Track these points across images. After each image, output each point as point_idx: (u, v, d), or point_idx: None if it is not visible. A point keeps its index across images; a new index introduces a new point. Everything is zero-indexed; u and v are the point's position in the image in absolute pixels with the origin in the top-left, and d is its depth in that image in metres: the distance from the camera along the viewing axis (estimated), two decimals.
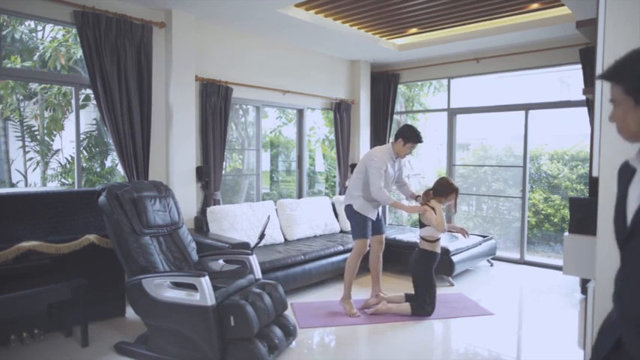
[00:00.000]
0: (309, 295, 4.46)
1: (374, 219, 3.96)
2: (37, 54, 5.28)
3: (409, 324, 3.70)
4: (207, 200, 4.71)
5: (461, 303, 4.19)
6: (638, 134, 1.21)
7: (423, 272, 3.82)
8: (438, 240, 3.81)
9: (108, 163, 5.65)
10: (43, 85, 5.35)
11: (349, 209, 3.94)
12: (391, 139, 4.12)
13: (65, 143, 5.55)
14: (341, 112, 6.26)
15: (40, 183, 5.46)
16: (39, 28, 5.43)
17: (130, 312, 3.75)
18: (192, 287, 2.83)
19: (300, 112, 6.08)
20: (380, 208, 4.08)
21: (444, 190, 3.80)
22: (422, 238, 3.83)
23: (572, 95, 6.30)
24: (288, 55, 5.59)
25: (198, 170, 4.61)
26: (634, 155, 1.26)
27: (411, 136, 3.82)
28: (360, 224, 3.89)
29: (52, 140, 5.61)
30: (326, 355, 3.19)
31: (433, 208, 3.73)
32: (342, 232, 5.61)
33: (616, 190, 1.33)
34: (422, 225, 3.86)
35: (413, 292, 3.92)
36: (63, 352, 3.09)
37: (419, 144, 3.91)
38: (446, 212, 5.04)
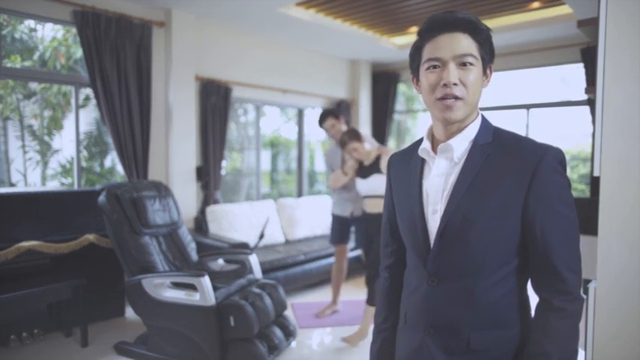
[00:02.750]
0: (309, 295, 4.45)
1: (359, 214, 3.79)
2: (37, 53, 5.27)
3: None
4: (207, 200, 4.71)
5: None
6: (473, 112, 1.02)
7: None
8: None
9: (108, 163, 5.64)
10: (42, 85, 5.35)
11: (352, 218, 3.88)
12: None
13: (65, 143, 5.54)
14: (342, 112, 6.24)
15: (39, 183, 5.45)
16: (38, 27, 5.42)
17: (129, 312, 3.75)
18: (192, 287, 2.83)
19: (301, 112, 6.07)
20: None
21: None
22: None
23: (571, 94, 6.29)
24: (288, 54, 5.57)
25: (198, 170, 4.60)
26: (426, 146, 1.09)
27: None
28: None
29: (52, 140, 5.61)
30: (326, 355, 3.18)
31: None
32: None
33: (396, 188, 1.16)
34: None
35: None
36: (63, 352, 3.09)
37: (328, 120, 3.95)
38: None
